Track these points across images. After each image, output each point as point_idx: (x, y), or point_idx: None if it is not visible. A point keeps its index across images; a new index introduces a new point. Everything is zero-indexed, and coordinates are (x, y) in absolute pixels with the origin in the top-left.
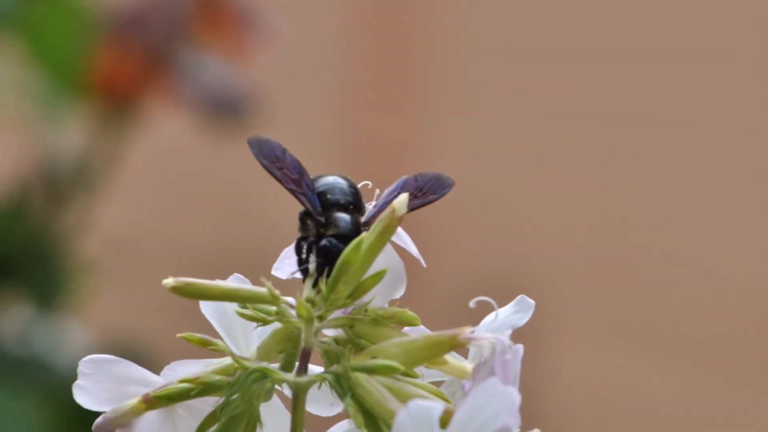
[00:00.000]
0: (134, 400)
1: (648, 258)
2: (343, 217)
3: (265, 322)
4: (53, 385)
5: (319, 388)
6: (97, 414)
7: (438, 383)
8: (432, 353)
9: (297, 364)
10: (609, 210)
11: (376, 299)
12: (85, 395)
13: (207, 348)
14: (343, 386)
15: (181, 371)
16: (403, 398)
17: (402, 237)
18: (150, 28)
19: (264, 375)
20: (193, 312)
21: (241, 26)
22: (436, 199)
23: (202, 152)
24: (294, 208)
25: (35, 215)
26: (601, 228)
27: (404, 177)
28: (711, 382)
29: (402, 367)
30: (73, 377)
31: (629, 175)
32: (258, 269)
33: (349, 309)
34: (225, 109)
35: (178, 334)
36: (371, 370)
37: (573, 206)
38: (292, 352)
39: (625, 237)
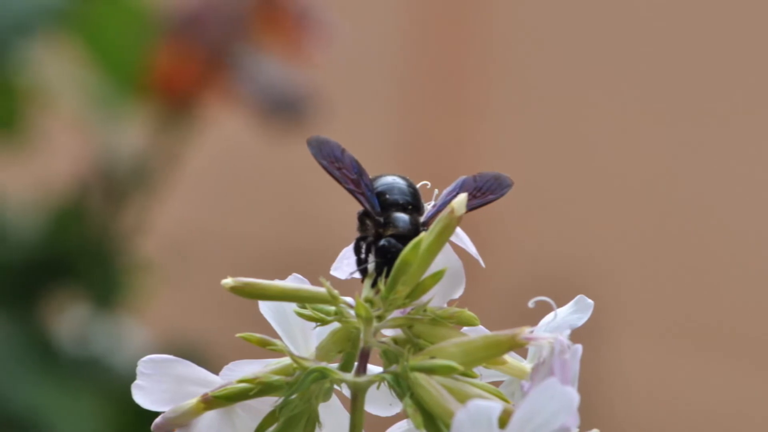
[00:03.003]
0: (193, 400)
1: (706, 258)
2: (402, 217)
3: (324, 322)
4: (112, 385)
5: (378, 388)
6: (156, 413)
7: (497, 383)
8: (491, 353)
9: (356, 364)
10: (668, 210)
11: (435, 299)
12: (144, 395)
13: (266, 348)
14: (402, 386)
15: (240, 371)
16: (462, 398)
17: (461, 237)
18: (209, 29)
19: (323, 375)
20: (251, 312)
21: (300, 26)
22: (495, 199)
23: (261, 152)
24: (352, 208)
25: (94, 215)
26: (660, 228)
27: (463, 177)
28: None
29: (461, 367)
30: (132, 377)
31: (688, 175)
32: (316, 269)
33: (408, 309)
34: (284, 109)
35: (238, 334)
36: (430, 370)
37: (632, 206)
38: (351, 352)
39: (684, 237)
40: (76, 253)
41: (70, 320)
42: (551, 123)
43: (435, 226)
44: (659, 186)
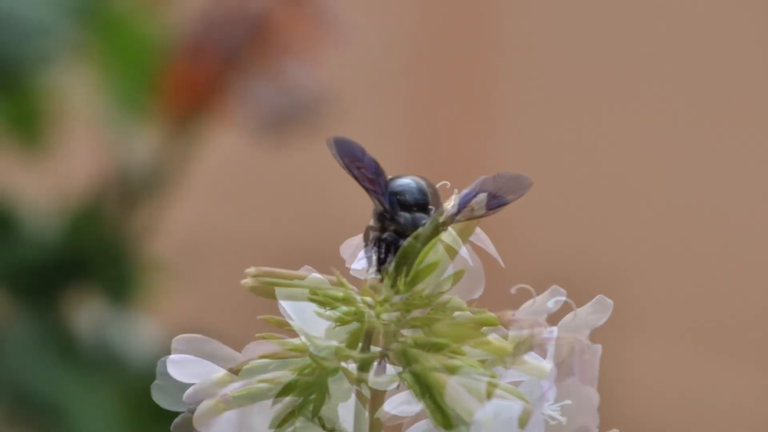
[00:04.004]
0: (213, 400)
1: (720, 259)
2: (422, 216)
3: (343, 322)
4: (127, 382)
5: (398, 387)
6: (172, 410)
7: (517, 383)
8: (509, 354)
9: (375, 363)
10: (682, 210)
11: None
12: (163, 395)
13: (285, 348)
14: (421, 386)
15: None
16: (482, 398)
17: (480, 237)
18: (225, 32)
19: (342, 375)
20: (261, 310)
21: (317, 28)
22: (515, 199)
23: (272, 154)
24: (365, 208)
25: (110, 217)
26: (674, 229)
27: (482, 177)
28: None
29: (480, 367)
30: (146, 373)
31: (702, 176)
32: (329, 270)
33: (428, 309)
34: (297, 111)
35: (258, 334)
36: (449, 370)
37: (646, 207)
38: (371, 352)
39: (698, 238)
40: (92, 254)
41: (87, 317)
42: (563, 123)
43: (454, 226)
44: (672, 187)
